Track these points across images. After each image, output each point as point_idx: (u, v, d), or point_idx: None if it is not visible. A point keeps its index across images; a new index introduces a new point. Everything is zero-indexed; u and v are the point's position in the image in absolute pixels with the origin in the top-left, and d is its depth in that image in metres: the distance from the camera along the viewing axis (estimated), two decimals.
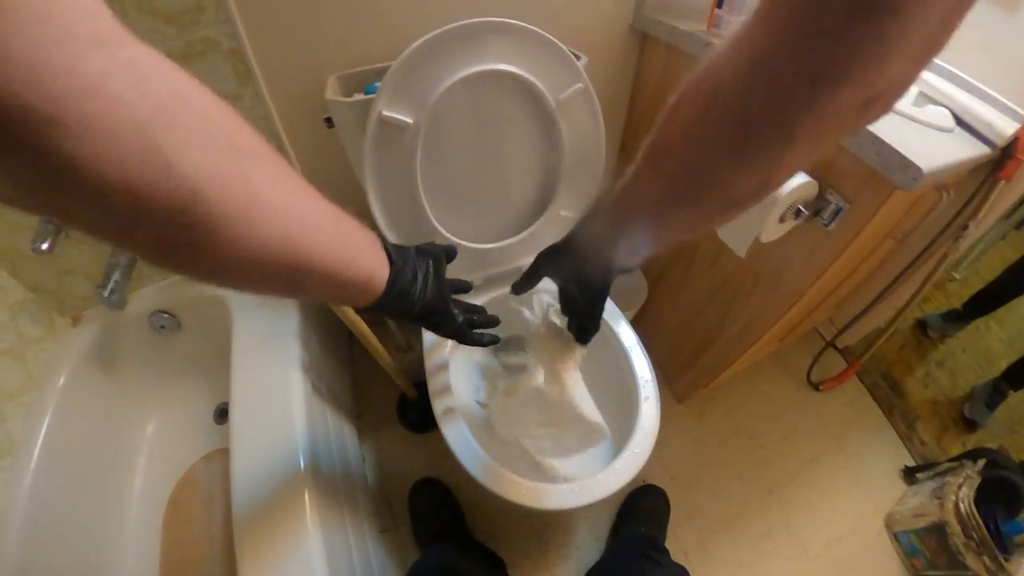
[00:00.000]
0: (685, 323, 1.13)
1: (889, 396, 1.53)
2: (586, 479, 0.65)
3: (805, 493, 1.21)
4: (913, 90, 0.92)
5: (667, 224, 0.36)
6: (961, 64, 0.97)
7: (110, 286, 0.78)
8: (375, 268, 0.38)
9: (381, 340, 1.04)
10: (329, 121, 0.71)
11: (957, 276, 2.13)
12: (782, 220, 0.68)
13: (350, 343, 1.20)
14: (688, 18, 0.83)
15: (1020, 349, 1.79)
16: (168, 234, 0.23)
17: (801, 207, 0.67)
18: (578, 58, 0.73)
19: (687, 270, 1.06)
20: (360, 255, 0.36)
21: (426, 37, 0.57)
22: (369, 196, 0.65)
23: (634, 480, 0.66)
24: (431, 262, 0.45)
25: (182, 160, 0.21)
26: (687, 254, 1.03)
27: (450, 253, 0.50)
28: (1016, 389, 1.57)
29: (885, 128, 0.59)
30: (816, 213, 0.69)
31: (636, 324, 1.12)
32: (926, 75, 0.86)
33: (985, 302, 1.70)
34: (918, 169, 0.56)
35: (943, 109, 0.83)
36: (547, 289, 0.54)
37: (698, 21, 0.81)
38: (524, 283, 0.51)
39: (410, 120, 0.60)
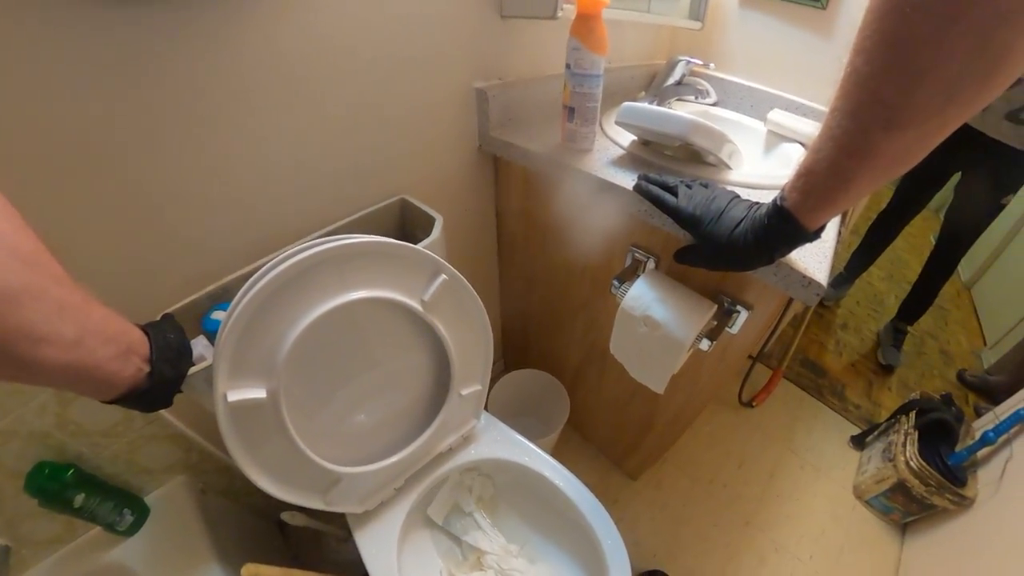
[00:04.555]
0: (616, 415, 1.10)
1: (814, 380, 1.62)
2: None
3: (777, 508, 1.24)
4: (762, 132, 0.94)
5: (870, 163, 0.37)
6: (799, 91, 1.03)
7: None
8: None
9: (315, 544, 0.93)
10: None
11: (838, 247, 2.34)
12: (690, 349, 0.64)
13: None
14: (536, 133, 0.77)
15: (899, 280, 2.02)
16: None
17: (706, 337, 0.64)
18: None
19: (600, 373, 1.02)
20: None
21: (245, 299, 0.49)
22: (247, 472, 0.57)
23: None
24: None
25: None
26: (598, 359, 0.99)
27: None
28: (910, 323, 1.76)
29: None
30: (721, 326, 0.66)
31: (570, 419, 1.08)
32: (771, 115, 0.90)
33: (862, 260, 1.87)
34: (820, 285, 0.52)
35: (794, 144, 0.85)
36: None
37: (547, 135, 0.76)
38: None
39: (263, 393, 0.53)
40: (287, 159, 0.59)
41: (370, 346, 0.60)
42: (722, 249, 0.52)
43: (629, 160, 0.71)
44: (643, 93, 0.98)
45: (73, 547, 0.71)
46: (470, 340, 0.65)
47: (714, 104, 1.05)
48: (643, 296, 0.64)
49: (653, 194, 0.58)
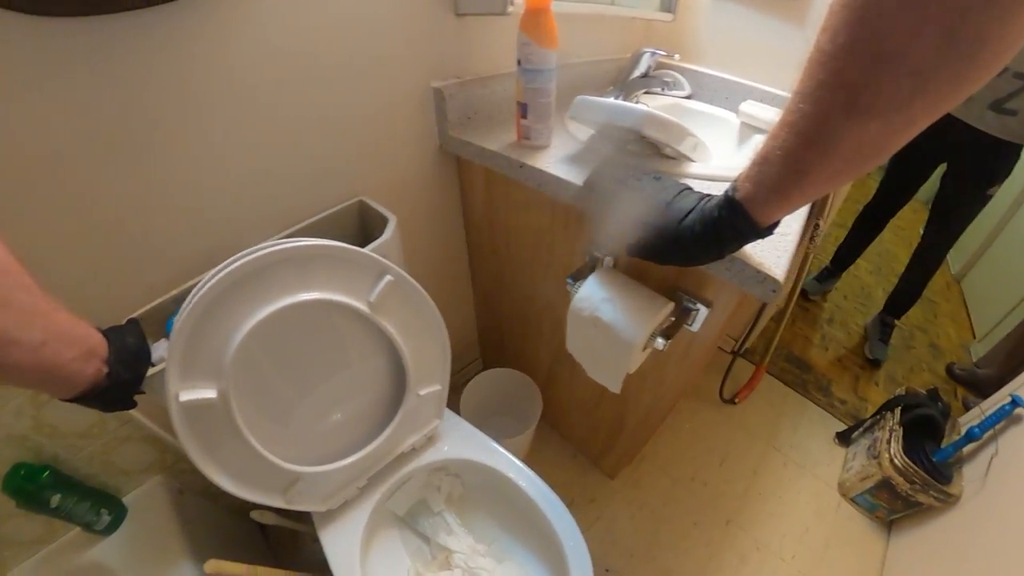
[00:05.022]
0: (588, 415, 1.09)
1: (799, 376, 1.61)
2: None
3: (760, 506, 1.23)
4: (735, 124, 0.93)
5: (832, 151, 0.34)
6: (773, 82, 1.02)
7: None
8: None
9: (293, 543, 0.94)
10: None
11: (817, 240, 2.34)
12: (645, 348, 0.64)
13: None
14: (495, 132, 0.77)
15: (887, 274, 2.00)
16: None
17: (661, 336, 0.63)
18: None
19: (571, 372, 1.00)
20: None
21: (191, 304, 0.50)
22: (204, 470, 0.57)
23: None
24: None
25: None
26: (567, 358, 0.93)
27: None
28: (898, 317, 1.74)
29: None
30: (680, 324, 0.65)
31: (544, 418, 1.08)
32: (744, 106, 0.89)
33: (849, 253, 1.86)
34: (776, 282, 0.51)
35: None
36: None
37: (506, 134, 0.76)
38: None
39: (213, 394, 0.53)
40: (244, 165, 0.59)
41: (324, 348, 0.61)
42: (669, 242, 0.50)
43: (587, 155, 0.71)
44: (611, 87, 0.98)
45: (55, 547, 0.71)
46: (425, 340, 0.65)
47: (688, 97, 1.05)
48: (592, 296, 0.63)
49: (602, 188, 0.58)
